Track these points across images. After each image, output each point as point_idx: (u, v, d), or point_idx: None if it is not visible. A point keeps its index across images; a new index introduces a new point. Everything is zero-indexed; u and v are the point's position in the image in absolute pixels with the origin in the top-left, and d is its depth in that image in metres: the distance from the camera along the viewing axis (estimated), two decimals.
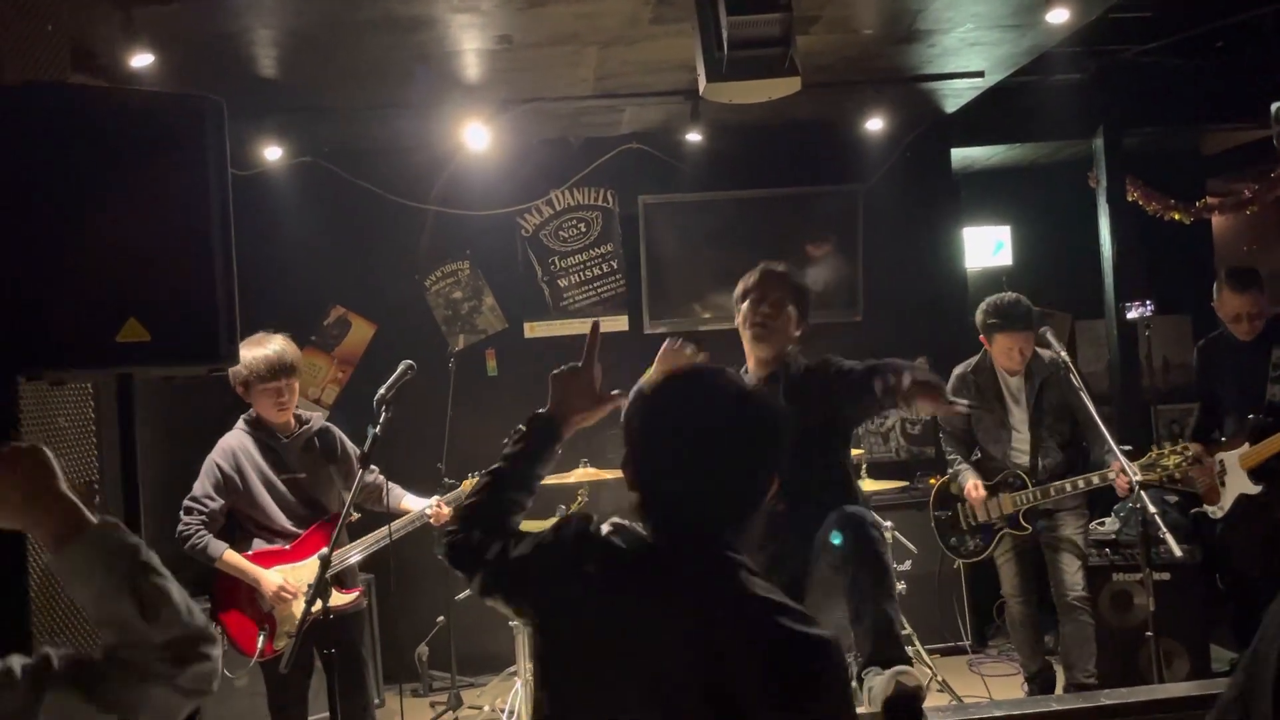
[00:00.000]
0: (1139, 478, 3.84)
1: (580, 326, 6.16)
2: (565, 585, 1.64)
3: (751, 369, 3.33)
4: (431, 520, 4.04)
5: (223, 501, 3.73)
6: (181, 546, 3.67)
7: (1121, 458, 3.89)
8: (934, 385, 2.92)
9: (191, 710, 1.40)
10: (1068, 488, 4.33)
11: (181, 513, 3.72)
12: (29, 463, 1.48)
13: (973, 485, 4.50)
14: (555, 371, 2.02)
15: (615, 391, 2.01)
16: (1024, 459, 4.51)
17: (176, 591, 1.45)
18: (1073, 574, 4.46)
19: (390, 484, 4.12)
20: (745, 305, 3.25)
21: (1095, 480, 4.27)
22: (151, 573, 1.44)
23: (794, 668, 1.48)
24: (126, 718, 1.31)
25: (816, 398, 3.11)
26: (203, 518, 3.70)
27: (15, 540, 2.36)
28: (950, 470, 4.71)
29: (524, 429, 1.97)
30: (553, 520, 1.79)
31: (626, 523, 1.67)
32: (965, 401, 3.66)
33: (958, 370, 4.70)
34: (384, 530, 3.90)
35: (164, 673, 1.34)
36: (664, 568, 1.58)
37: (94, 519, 1.46)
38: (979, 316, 4.50)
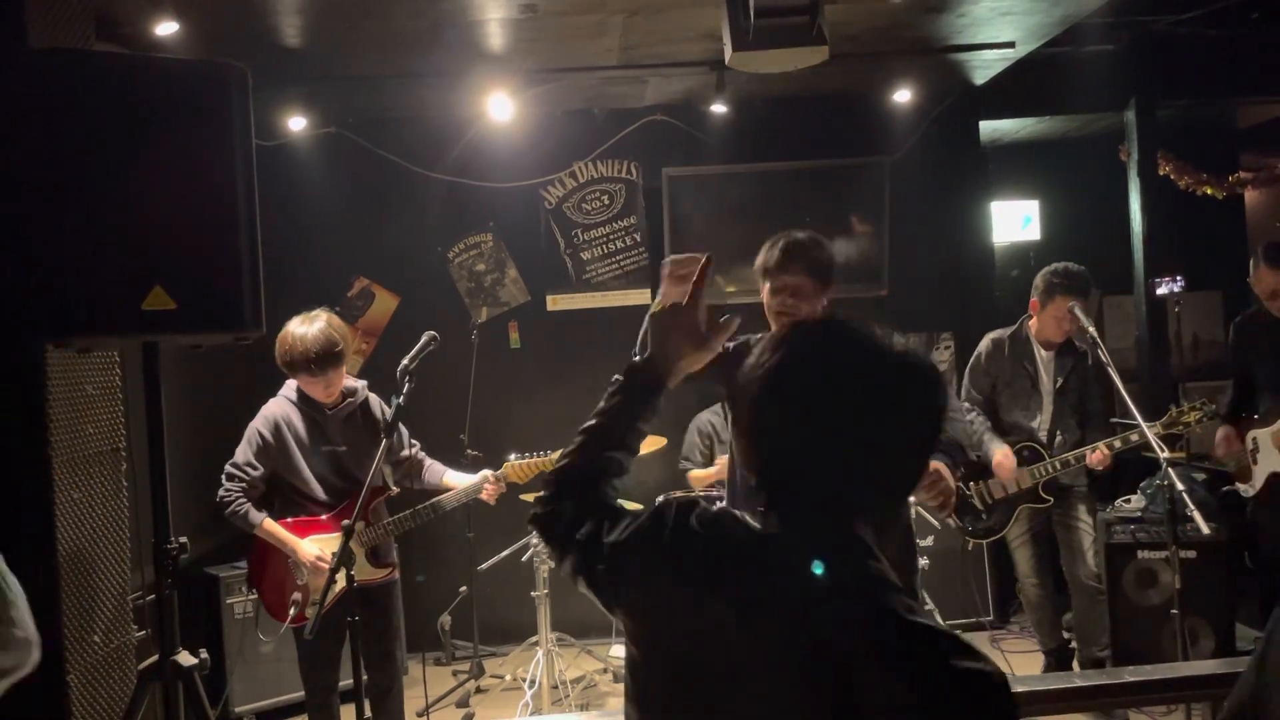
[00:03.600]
0: (1166, 454, 3.82)
1: (602, 300, 6.15)
2: (659, 585, 1.37)
3: None
4: (485, 497, 4.00)
5: (264, 469, 3.75)
6: (222, 512, 3.71)
7: (1151, 435, 3.88)
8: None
9: None
10: (1087, 457, 4.34)
11: (223, 478, 3.74)
12: None
13: (1004, 455, 4.42)
14: (654, 310, 1.71)
15: (725, 318, 1.69)
16: (1044, 432, 4.55)
17: None
18: (1087, 555, 4.50)
19: (431, 460, 4.11)
20: (765, 288, 3.07)
21: (1117, 444, 4.28)
22: None
23: (958, 712, 1.19)
24: None
25: None
26: (244, 484, 3.72)
27: (44, 509, 2.39)
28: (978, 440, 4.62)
29: (621, 379, 1.67)
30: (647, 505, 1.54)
31: (735, 512, 1.39)
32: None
33: (992, 335, 4.69)
34: (473, 483, 3.98)
35: None
36: (781, 573, 1.27)
37: None
38: (1041, 279, 4.47)
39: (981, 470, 4.60)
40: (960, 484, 4.67)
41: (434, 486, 4.06)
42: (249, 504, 3.71)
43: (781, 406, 1.32)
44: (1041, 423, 4.56)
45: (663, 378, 1.65)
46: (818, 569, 1.24)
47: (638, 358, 1.69)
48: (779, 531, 1.31)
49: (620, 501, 1.60)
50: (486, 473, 4.02)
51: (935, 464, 2.81)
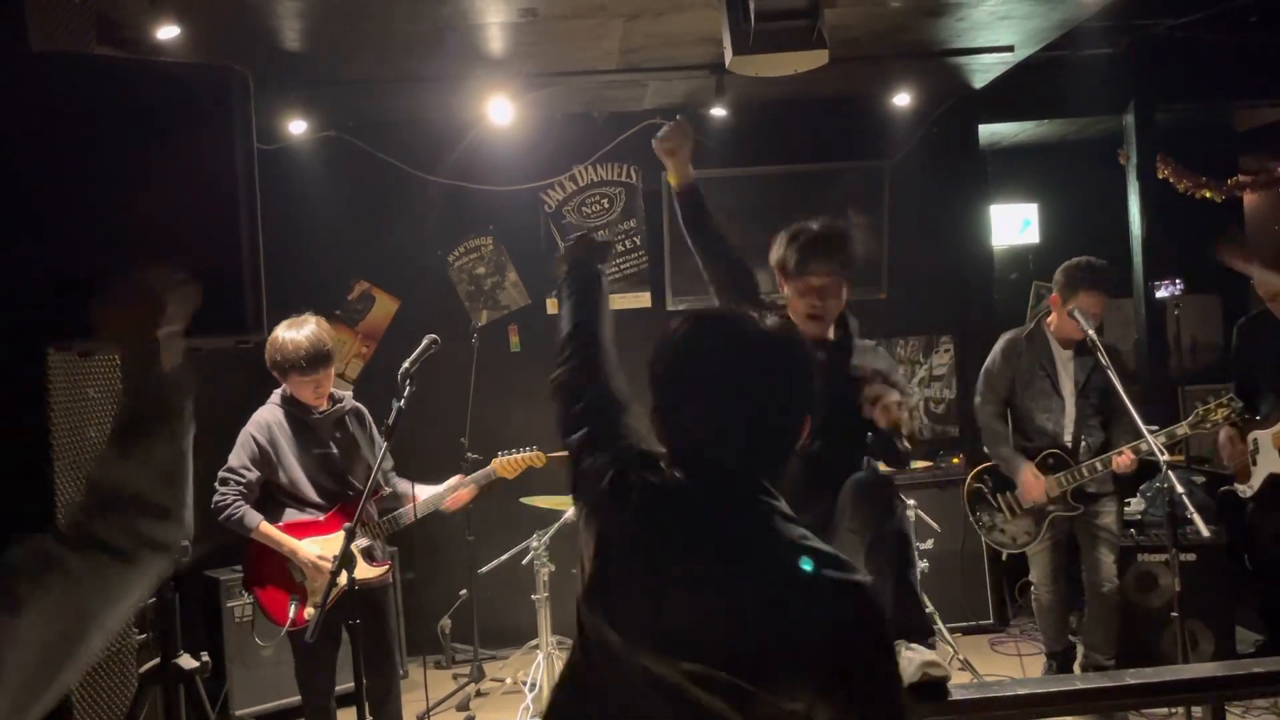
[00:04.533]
0: (1166, 457, 3.82)
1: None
2: (609, 514, 1.63)
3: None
4: (448, 506, 4.03)
5: (258, 473, 3.76)
6: (217, 517, 3.71)
7: (1150, 438, 3.86)
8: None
9: (141, 589, 1.37)
10: (1114, 461, 4.21)
11: (217, 484, 3.75)
12: (131, 308, 1.59)
13: (1030, 474, 4.33)
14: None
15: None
16: (1068, 435, 4.42)
17: (170, 456, 1.44)
18: (1109, 565, 4.41)
19: (399, 478, 4.07)
20: (790, 290, 3.03)
21: (1144, 448, 4.06)
22: (162, 424, 1.45)
23: (832, 614, 1.44)
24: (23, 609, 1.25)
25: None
26: (239, 489, 3.73)
27: (45, 511, 2.39)
28: (996, 454, 4.50)
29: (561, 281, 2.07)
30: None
31: (672, 470, 1.64)
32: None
33: (1009, 335, 4.58)
34: (439, 491, 4.03)
35: (72, 556, 1.29)
36: (695, 510, 1.56)
37: (165, 364, 1.53)
38: (1062, 274, 4.35)
39: (1008, 482, 4.49)
40: (990, 495, 4.56)
41: (405, 497, 4.05)
42: (245, 507, 3.72)
43: (676, 386, 1.60)
44: (1064, 426, 4.42)
45: (589, 259, 2.13)
46: (806, 565, 1.47)
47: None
48: (694, 485, 1.58)
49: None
50: (458, 477, 4.04)
51: (878, 390, 2.75)
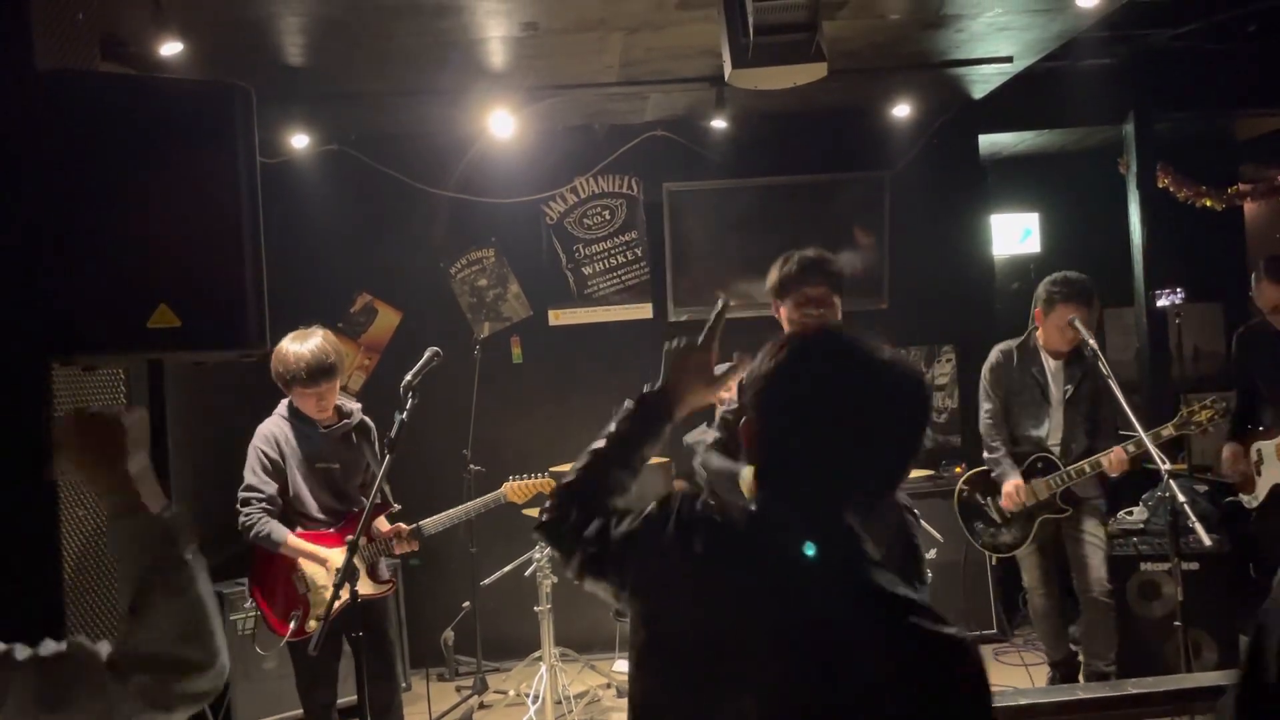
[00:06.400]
0: (1168, 466, 3.82)
1: (604, 314, 6.17)
2: (668, 566, 1.47)
3: None
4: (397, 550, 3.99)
5: (276, 484, 3.77)
6: (246, 537, 3.71)
7: (1153, 447, 3.87)
8: None
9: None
10: (1103, 462, 4.27)
11: (239, 505, 3.74)
12: (94, 431, 1.50)
13: (1014, 486, 4.44)
14: (670, 346, 1.85)
15: (731, 364, 1.84)
16: (1055, 442, 4.51)
17: (185, 610, 1.40)
18: (1097, 568, 4.44)
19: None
20: (788, 303, 3.09)
21: (1131, 448, 4.19)
22: (169, 580, 1.41)
23: (930, 674, 1.30)
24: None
25: None
26: (264, 504, 3.73)
27: (49, 527, 2.40)
28: (990, 458, 4.61)
29: (631, 407, 1.79)
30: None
31: (736, 500, 1.52)
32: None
33: (1001, 346, 4.69)
34: (457, 510, 4.07)
35: (116, 687, 1.31)
36: (775, 548, 1.39)
37: (150, 505, 1.47)
38: (1042, 289, 4.48)
39: (996, 486, 4.57)
40: (979, 500, 4.67)
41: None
42: (272, 522, 3.72)
43: (779, 405, 1.45)
44: (1050, 433, 4.52)
45: (671, 409, 1.80)
46: (809, 550, 1.36)
47: (648, 388, 1.81)
48: (774, 517, 1.42)
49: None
50: (400, 526, 3.98)
51: None
